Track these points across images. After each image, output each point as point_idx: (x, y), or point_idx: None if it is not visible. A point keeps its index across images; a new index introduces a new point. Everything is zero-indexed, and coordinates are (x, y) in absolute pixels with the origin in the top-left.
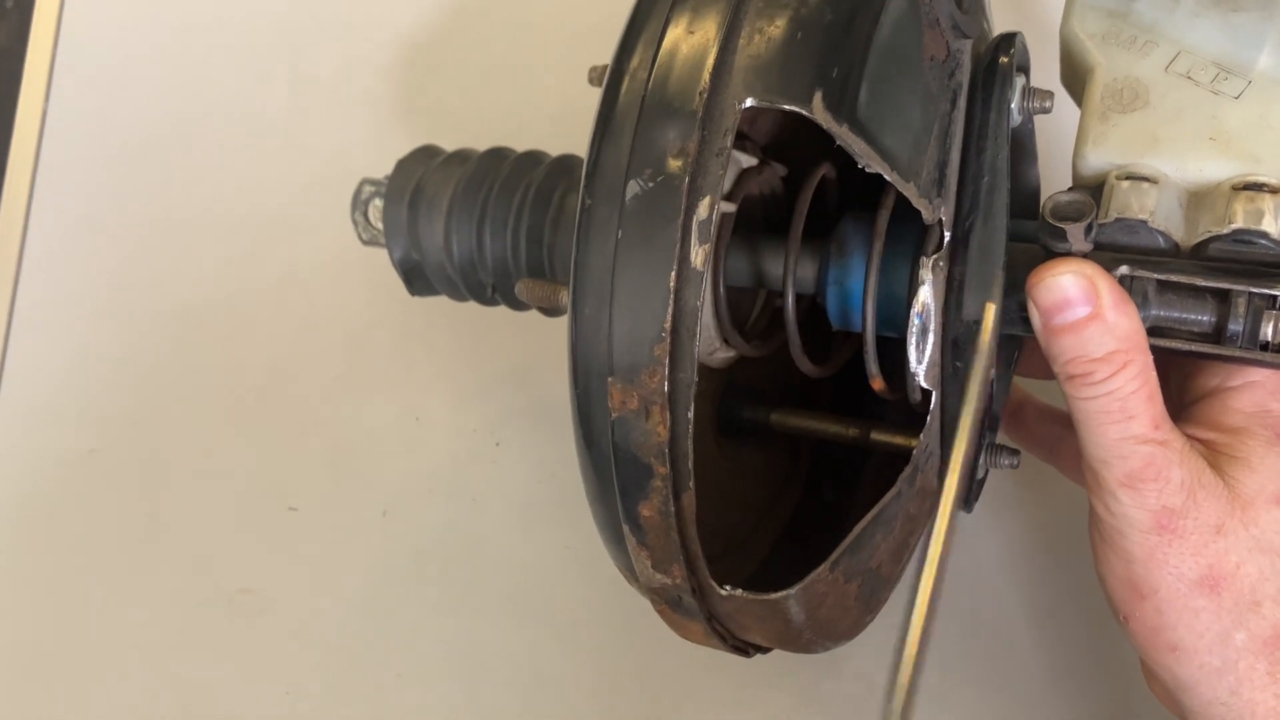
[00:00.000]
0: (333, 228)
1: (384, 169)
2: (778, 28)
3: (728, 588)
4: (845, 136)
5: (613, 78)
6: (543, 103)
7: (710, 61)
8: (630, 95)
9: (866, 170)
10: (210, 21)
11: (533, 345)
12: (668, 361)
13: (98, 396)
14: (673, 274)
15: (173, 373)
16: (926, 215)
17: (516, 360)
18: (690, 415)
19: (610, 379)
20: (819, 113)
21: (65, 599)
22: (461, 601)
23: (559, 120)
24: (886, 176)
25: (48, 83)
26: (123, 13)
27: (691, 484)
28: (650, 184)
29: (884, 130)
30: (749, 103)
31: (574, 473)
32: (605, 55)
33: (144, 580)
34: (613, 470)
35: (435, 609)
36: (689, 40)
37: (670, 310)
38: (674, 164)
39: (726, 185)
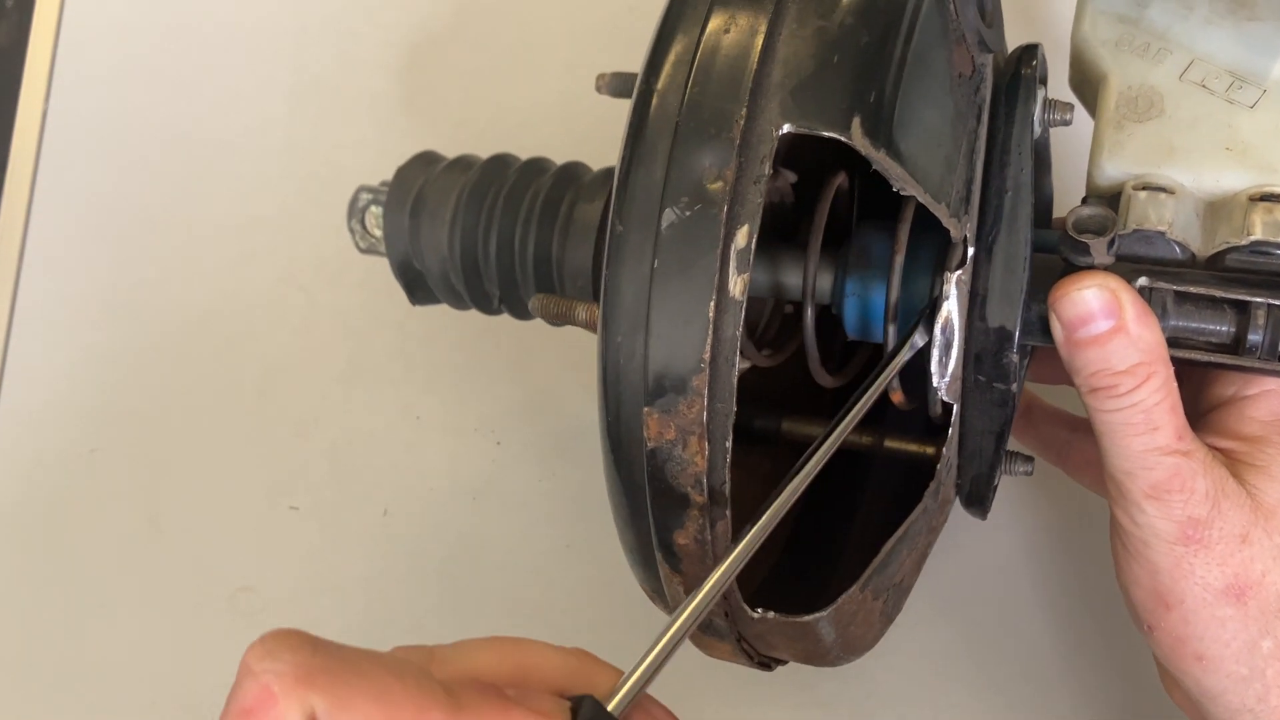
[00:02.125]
0: (333, 227)
1: (385, 168)
2: (814, 50)
3: (759, 610)
4: (883, 162)
5: (641, 97)
6: (544, 106)
7: (748, 83)
8: (662, 117)
9: (901, 193)
10: (210, 21)
11: (533, 345)
12: (706, 392)
13: (98, 396)
14: (712, 304)
15: (173, 373)
16: (955, 234)
17: (517, 360)
18: (729, 444)
19: (646, 409)
20: (858, 139)
21: (65, 599)
22: (461, 601)
23: (561, 124)
24: (920, 199)
25: (48, 83)
26: (123, 12)
27: (729, 512)
28: (687, 212)
29: (918, 152)
30: (786, 129)
31: (574, 471)
32: (607, 58)
33: (144, 580)
34: (647, 498)
35: (435, 609)
36: (724, 62)
37: (710, 340)
38: (712, 191)
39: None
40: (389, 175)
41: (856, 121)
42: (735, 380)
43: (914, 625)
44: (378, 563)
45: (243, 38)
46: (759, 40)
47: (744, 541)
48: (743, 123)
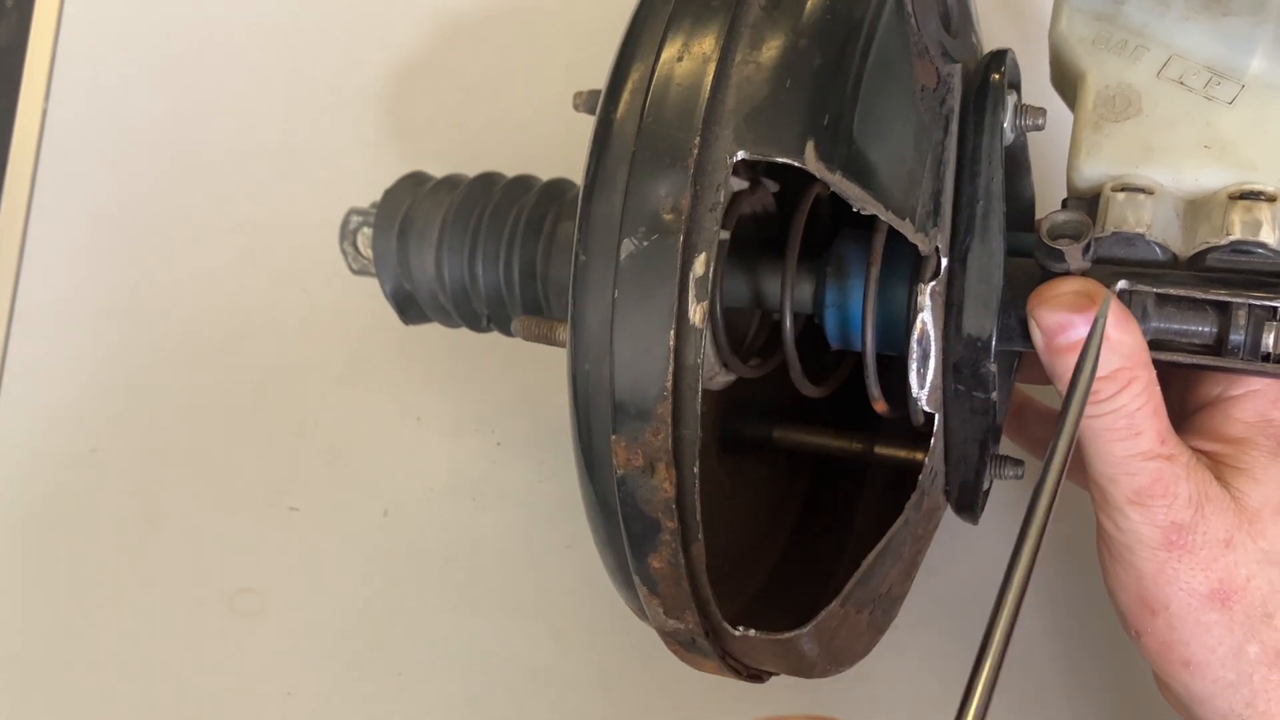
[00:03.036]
0: (332, 228)
1: (384, 169)
2: (767, 75)
3: (740, 629)
4: (839, 184)
5: (601, 124)
6: (541, 115)
7: (700, 112)
8: (619, 147)
9: (861, 213)
10: (210, 21)
11: (533, 345)
12: (670, 419)
13: (98, 396)
14: (671, 333)
15: (173, 373)
16: (923, 248)
17: (516, 360)
18: (696, 470)
19: (614, 436)
20: (811, 163)
21: (65, 598)
22: (461, 601)
23: (553, 139)
24: (882, 217)
25: (48, 83)
26: (123, 13)
27: (700, 536)
28: (645, 242)
29: (877, 171)
30: (740, 155)
31: (574, 471)
32: (596, 76)
33: (144, 580)
34: (620, 524)
35: (435, 609)
36: (678, 88)
37: (671, 369)
38: (668, 221)
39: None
40: (387, 180)
41: (810, 146)
42: (699, 406)
43: (913, 627)
44: (378, 563)
45: (242, 38)
46: (711, 68)
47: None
48: (697, 151)
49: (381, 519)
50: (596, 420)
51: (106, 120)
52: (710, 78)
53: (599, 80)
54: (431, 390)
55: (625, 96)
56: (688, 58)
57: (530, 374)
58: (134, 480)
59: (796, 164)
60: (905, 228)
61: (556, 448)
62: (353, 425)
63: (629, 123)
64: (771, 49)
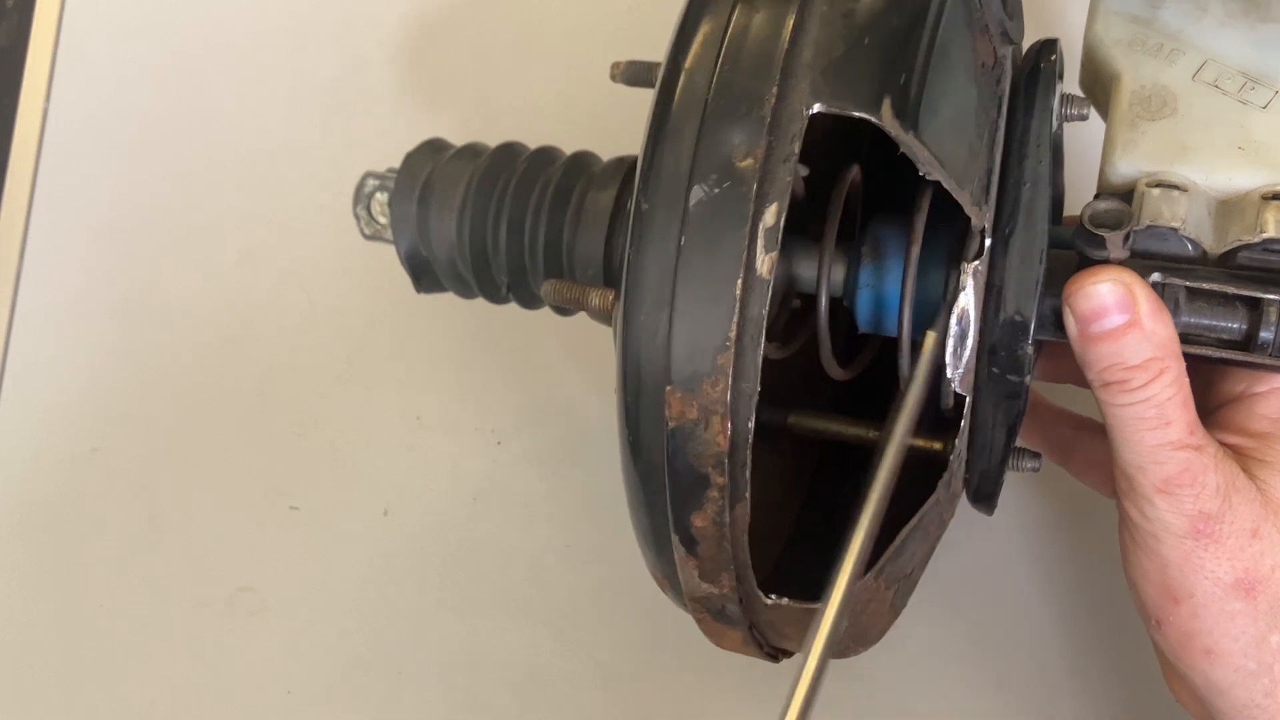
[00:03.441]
0: (333, 227)
1: (385, 165)
2: (844, 31)
3: (773, 596)
4: (911, 144)
5: (668, 76)
6: (551, 96)
7: (778, 63)
8: (690, 96)
9: (926, 178)
10: (210, 20)
11: (534, 345)
12: (731, 370)
13: (98, 396)
14: (739, 281)
15: (173, 372)
16: (975, 221)
17: (517, 360)
18: (751, 425)
19: (669, 387)
20: (887, 120)
21: (65, 598)
22: (461, 601)
23: (568, 114)
24: (945, 185)
25: (48, 83)
26: (123, 12)
27: (748, 493)
28: (716, 189)
29: (943, 138)
30: (817, 108)
31: (575, 472)
32: (615, 48)
33: (144, 579)
34: (665, 479)
35: (435, 609)
36: (754, 42)
37: (736, 318)
38: (741, 168)
39: None
40: (394, 166)
41: (887, 103)
42: (760, 360)
43: (916, 622)
44: (378, 563)
45: (243, 37)
46: (790, 20)
47: (856, 543)
48: (773, 101)
49: (381, 519)
50: (648, 371)
51: (107, 120)
52: (789, 30)
53: (613, 57)
54: (432, 390)
55: (696, 49)
56: (765, 9)
57: (531, 374)
58: (134, 480)
59: (874, 120)
60: (964, 198)
61: (557, 448)
62: (353, 425)
63: (700, 74)
64: (848, 7)
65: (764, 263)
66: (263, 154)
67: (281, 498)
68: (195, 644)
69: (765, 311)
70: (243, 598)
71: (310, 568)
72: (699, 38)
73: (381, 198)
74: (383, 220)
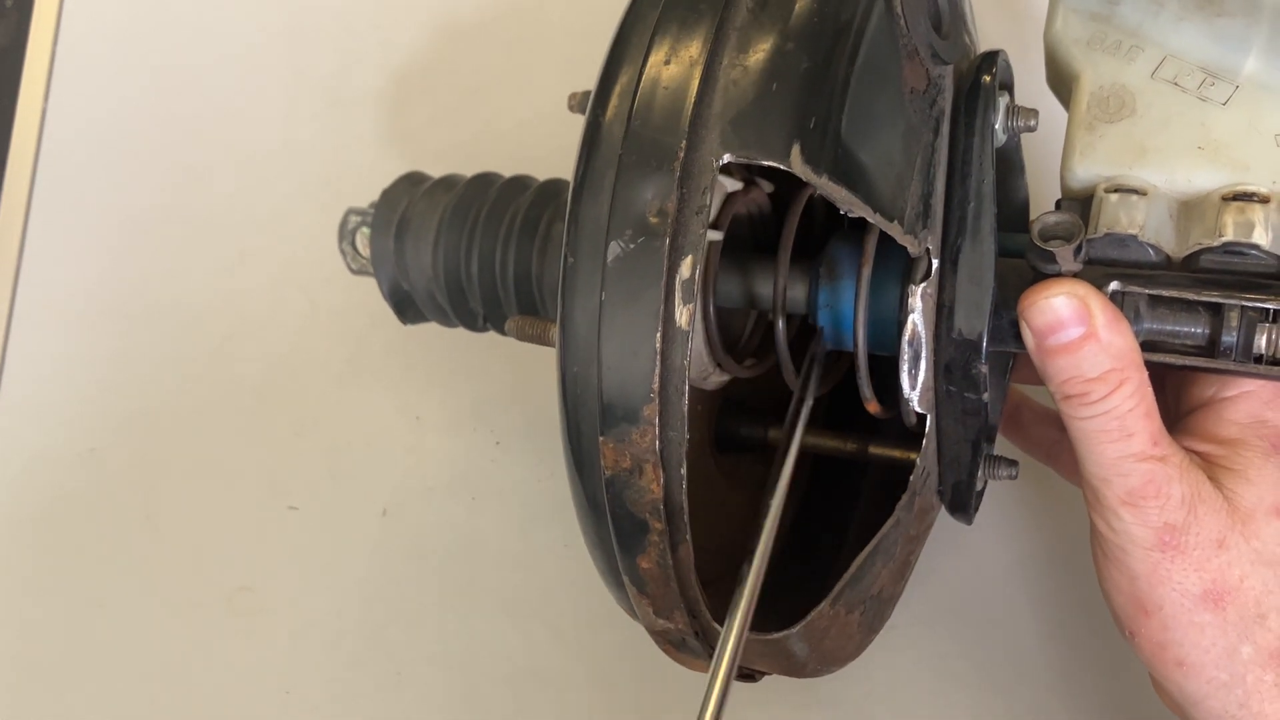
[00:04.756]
0: (333, 227)
1: (383, 168)
2: (754, 78)
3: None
4: (825, 187)
5: (590, 127)
6: (538, 120)
7: (687, 115)
8: (607, 149)
9: (848, 215)
10: (209, 21)
11: (533, 345)
12: (657, 421)
13: (97, 396)
14: (658, 335)
15: (172, 372)
16: (912, 249)
17: (516, 360)
18: (683, 471)
19: (602, 438)
20: (797, 166)
21: (64, 598)
22: (460, 601)
23: (552, 139)
24: (870, 220)
25: (48, 83)
26: (122, 12)
27: (688, 537)
28: (631, 245)
29: (866, 173)
30: (726, 159)
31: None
32: (591, 78)
33: (143, 579)
34: (609, 524)
35: (434, 608)
36: (664, 92)
37: (658, 371)
38: (654, 224)
39: (712, 213)
40: (387, 180)
41: (796, 148)
42: (685, 409)
43: (911, 626)
44: (377, 563)
45: (242, 38)
46: (698, 71)
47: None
48: (683, 154)
49: (381, 518)
50: (585, 422)
51: (106, 120)
52: (697, 81)
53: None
54: (431, 389)
55: (613, 100)
56: (675, 61)
57: (529, 373)
58: (132, 480)
59: (782, 167)
60: (893, 229)
61: (555, 447)
62: (352, 425)
63: (616, 126)
64: (758, 52)
65: (682, 315)
66: (262, 154)
67: (280, 497)
68: (194, 644)
69: (688, 362)
70: (241, 598)
71: (309, 568)
72: (616, 88)
73: (364, 232)
74: (366, 255)
